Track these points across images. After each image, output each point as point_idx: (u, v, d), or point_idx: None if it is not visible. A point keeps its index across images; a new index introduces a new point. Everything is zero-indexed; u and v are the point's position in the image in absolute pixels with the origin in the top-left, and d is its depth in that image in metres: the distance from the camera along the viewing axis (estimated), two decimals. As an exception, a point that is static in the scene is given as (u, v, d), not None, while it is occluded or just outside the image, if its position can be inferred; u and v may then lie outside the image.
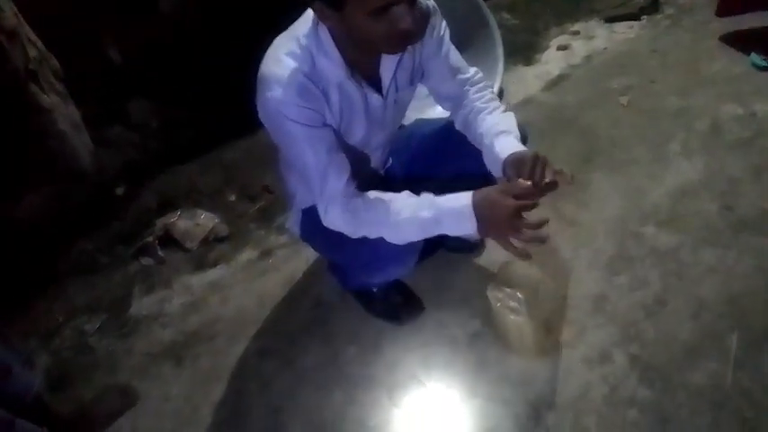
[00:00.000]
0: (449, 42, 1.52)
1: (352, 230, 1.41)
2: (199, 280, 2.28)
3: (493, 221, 1.27)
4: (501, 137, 1.44)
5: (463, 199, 1.30)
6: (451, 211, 1.31)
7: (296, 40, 1.32)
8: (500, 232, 1.28)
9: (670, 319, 1.76)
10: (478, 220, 1.28)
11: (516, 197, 1.26)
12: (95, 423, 1.85)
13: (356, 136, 1.50)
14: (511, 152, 1.38)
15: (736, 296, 1.78)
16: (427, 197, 1.35)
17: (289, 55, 1.31)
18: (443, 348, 1.84)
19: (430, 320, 1.92)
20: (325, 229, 1.43)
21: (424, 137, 1.75)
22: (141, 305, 2.23)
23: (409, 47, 1.42)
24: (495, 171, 1.46)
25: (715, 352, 1.66)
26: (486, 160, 1.48)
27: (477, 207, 1.28)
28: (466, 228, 1.30)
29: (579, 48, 3.00)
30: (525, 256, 1.26)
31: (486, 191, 1.29)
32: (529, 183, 1.28)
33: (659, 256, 1.94)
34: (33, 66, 2.31)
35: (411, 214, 1.33)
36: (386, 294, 1.92)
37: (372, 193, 1.39)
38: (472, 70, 1.58)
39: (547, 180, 1.30)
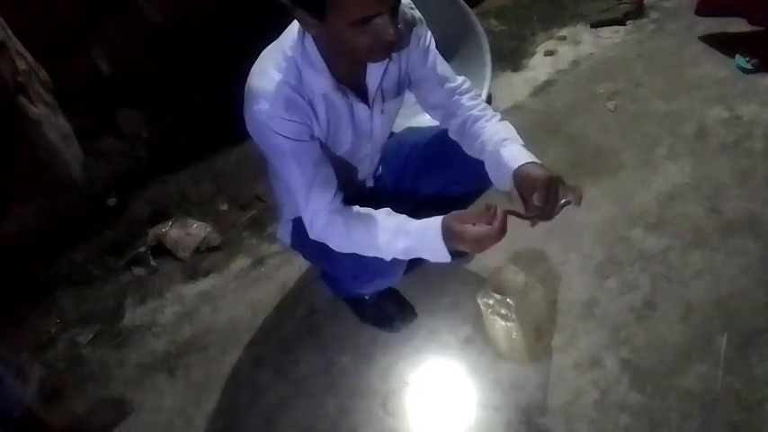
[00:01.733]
0: (435, 52, 1.52)
1: (335, 246, 1.42)
2: (191, 289, 2.29)
3: (460, 245, 1.30)
4: (507, 144, 1.43)
5: (432, 229, 1.31)
6: (423, 240, 1.33)
7: (282, 53, 1.33)
8: (470, 250, 1.32)
9: (659, 323, 1.77)
10: (448, 247, 1.30)
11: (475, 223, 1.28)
12: (89, 435, 1.85)
13: (343, 147, 1.50)
14: (523, 162, 1.37)
15: (725, 298, 1.79)
16: (403, 224, 1.35)
17: (275, 68, 1.32)
18: (435, 355, 1.86)
19: (422, 327, 1.93)
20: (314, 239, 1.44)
21: (415, 145, 1.76)
22: (134, 316, 2.24)
23: (394, 56, 1.43)
24: (499, 179, 1.45)
25: (704, 354, 1.67)
26: (489, 168, 1.48)
27: (445, 235, 1.30)
28: (440, 253, 1.32)
29: (566, 53, 3.01)
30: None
31: (449, 220, 1.30)
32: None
33: (648, 259, 1.95)
34: (22, 78, 2.31)
35: (387, 241, 1.35)
36: (378, 302, 1.93)
37: (354, 210, 1.40)
38: (460, 79, 1.58)
39: (561, 202, 1.32)
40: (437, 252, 1.32)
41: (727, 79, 2.58)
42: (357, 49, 1.22)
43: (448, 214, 1.32)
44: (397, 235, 1.35)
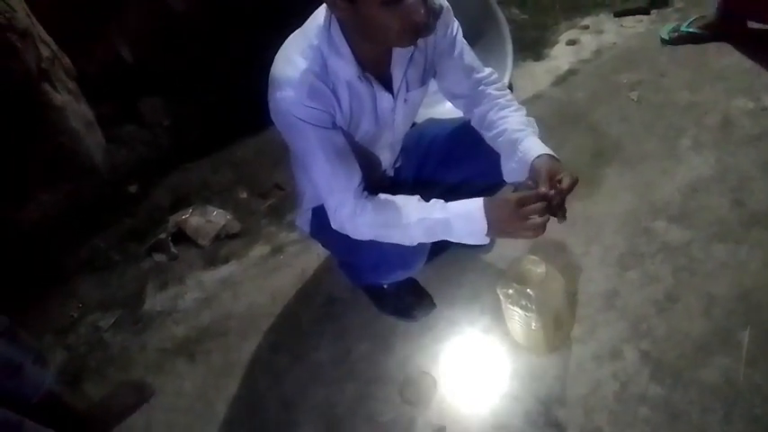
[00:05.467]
0: (462, 41, 1.52)
1: (360, 233, 1.42)
2: (211, 276, 2.31)
3: (501, 220, 1.30)
4: (528, 136, 1.45)
5: (473, 203, 1.33)
6: (462, 213, 1.34)
7: (307, 40, 1.33)
8: (509, 229, 1.31)
9: (681, 315, 1.75)
10: (488, 222, 1.31)
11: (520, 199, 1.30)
12: (110, 418, 1.88)
13: (365, 136, 1.50)
14: (541, 153, 1.40)
15: (748, 292, 1.77)
16: (438, 201, 1.37)
17: (299, 55, 1.32)
18: (454, 345, 1.85)
19: (441, 317, 1.93)
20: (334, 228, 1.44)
21: (437, 137, 1.75)
22: (155, 301, 2.26)
23: (420, 44, 1.43)
24: (512, 170, 1.47)
25: (726, 348, 1.65)
26: (504, 157, 1.50)
27: (487, 209, 1.31)
28: (475, 229, 1.33)
29: (588, 42, 2.98)
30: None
31: (493, 197, 1.34)
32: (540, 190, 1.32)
33: (670, 251, 1.93)
34: (46, 65, 2.33)
35: (421, 216, 1.36)
36: (397, 291, 1.93)
37: (383, 197, 1.41)
38: (487, 70, 1.58)
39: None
40: (474, 225, 1.32)
41: (753, 70, 2.53)
42: (387, 32, 1.22)
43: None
44: (432, 210, 1.36)
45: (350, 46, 1.31)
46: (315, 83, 1.31)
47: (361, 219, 1.39)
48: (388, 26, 1.20)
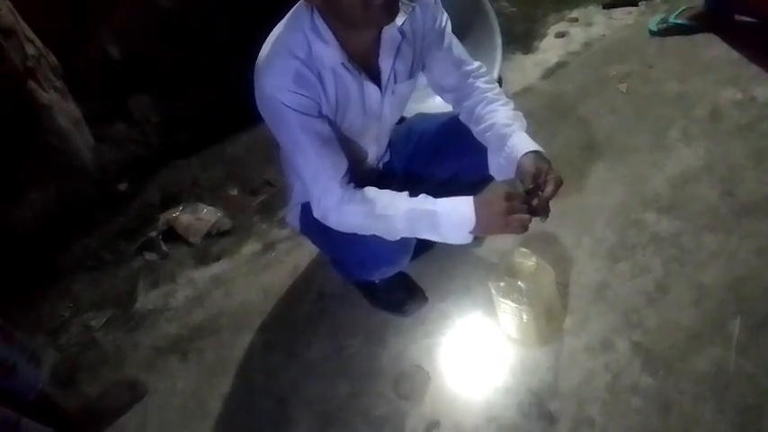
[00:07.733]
0: (450, 34, 1.52)
1: (344, 223, 1.41)
2: (203, 274, 2.30)
3: (488, 215, 1.31)
4: (516, 131, 1.46)
5: (462, 198, 1.34)
6: (450, 207, 1.34)
7: (291, 28, 1.34)
8: (495, 224, 1.32)
9: (672, 306, 1.76)
10: (476, 218, 1.31)
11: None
12: (103, 418, 1.87)
13: (351, 127, 1.50)
14: (529, 150, 1.41)
15: (739, 281, 1.78)
16: (427, 197, 1.37)
17: (283, 42, 1.33)
18: (446, 339, 1.86)
19: (433, 311, 1.93)
20: (324, 224, 1.44)
21: (425, 132, 1.75)
22: (146, 300, 2.25)
23: (409, 36, 1.43)
24: (500, 165, 1.48)
25: (718, 338, 1.66)
26: (492, 152, 1.50)
27: (476, 204, 1.32)
28: (462, 223, 1.33)
29: (578, 35, 2.98)
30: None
31: (481, 194, 1.37)
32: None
33: (660, 242, 1.94)
34: (31, 63, 2.31)
35: (409, 206, 1.35)
36: (389, 286, 1.92)
37: (370, 189, 1.40)
38: (476, 63, 1.58)
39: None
40: (461, 218, 1.33)
41: (741, 60, 2.54)
42: (354, 9, 1.22)
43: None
44: (421, 202, 1.36)
45: (334, 33, 1.32)
46: (300, 69, 1.31)
47: (347, 207, 1.38)
48: (352, 7, 1.21)
